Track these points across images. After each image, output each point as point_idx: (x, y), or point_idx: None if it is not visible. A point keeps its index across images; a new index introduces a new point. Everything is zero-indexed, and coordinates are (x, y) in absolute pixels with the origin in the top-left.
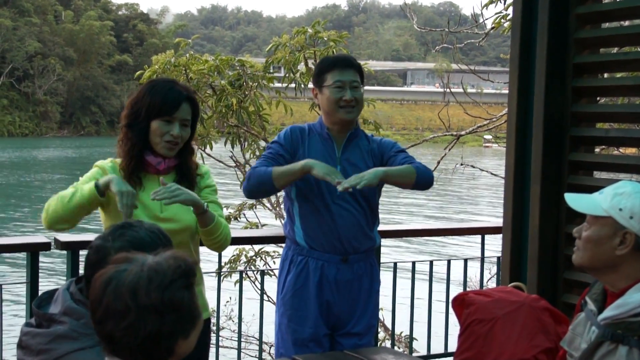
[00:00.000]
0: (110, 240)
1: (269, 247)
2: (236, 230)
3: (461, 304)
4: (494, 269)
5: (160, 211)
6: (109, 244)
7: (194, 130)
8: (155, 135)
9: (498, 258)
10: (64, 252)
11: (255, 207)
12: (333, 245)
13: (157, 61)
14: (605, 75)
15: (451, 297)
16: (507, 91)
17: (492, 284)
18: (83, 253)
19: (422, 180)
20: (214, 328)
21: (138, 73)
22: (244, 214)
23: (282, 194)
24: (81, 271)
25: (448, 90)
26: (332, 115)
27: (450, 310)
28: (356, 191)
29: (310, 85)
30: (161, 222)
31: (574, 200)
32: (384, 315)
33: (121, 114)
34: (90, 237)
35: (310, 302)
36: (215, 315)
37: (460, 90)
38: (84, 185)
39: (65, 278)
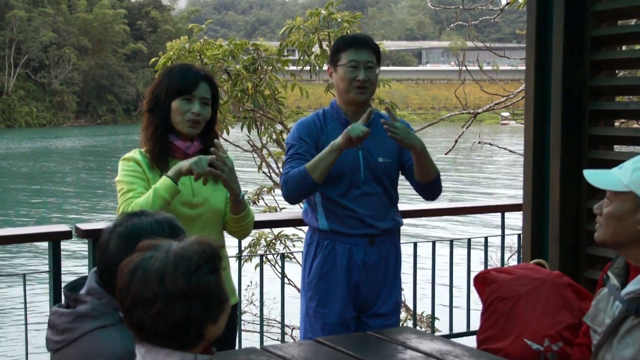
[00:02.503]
0: (114, 225)
1: (289, 230)
2: (255, 214)
3: (483, 282)
4: (515, 247)
5: (192, 195)
6: (112, 229)
7: (215, 113)
8: (176, 114)
9: (519, 235)
10: (85, 240)
11: (274, 191)
12: (359, 229)
13: (172, 47)
14: (624, 47)
15: (472, 276)
16: (523, 67)
17: (513, 262)
18: None
19: (437, 183)
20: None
21: (153, 60)
22: (263, 198)
23: None
24: None
25: (464, 68)
26: (344, 95)
27: (472, 288)
28: (381, 172)
29: (326, 67)
30: (193, 207)
31: (593, 177)
32: (405, 295)
33: (142, 103)
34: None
35: (339, 286)
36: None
37: (476, 67)
38: (157, 184)
39: (87, 267)
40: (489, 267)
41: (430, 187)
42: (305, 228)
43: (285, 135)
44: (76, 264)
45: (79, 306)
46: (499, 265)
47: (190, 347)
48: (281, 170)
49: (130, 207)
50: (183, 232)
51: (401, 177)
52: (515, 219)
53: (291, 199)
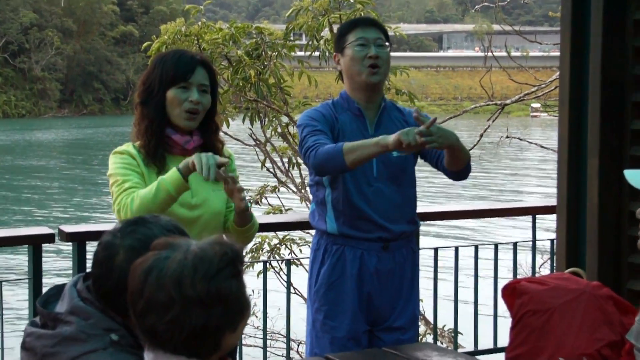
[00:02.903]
0: (119, 237)
1: (295, 234)
2: (258, 215)
3: (512, 294)
4: (547, 253)
5: (191, 196)
6: (118, 242)
7: (215, 102)
8: (173, 105)
9: (552, 241)
10: (69, 244)
11: (278, 190)
12: (371, 232)
13: (166, 31)
14: None
15: (500, 286)
16: (557, 53)
17: (545, 271)
18: (91, 246)
19: (469, 166)
20: None
21: (145, 45)
22: (266, 198)
23: (305, 174)
24: (89, 266)
25: (490, 54)
26: (356, 78)
27: (500, 300)
28: (396, 168)
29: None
30: (192, 208)
31: (635, 177)
32: (424, 307)
33: (135, 94)
34: (97, 227)
35: (349, 296)
36: None
37: (504, 53)
38: (164, 175)
39: (72, 273)
40: (518, 277)
41: (462, 172)
42: (314, 231)
43: (292, 129)
44: (60, 268)
45: (60, 327)
46: (529, 274)
47: (205, 357)
48: (286, 167)
49: (131, 198)
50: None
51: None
52: (548, 223)
53: (319, 166)
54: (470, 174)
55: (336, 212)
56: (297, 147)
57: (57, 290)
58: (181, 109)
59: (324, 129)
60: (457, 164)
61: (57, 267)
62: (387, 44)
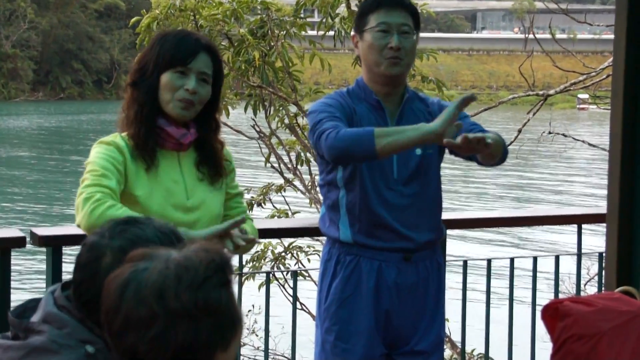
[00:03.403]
0: (107, 237)
1: (302, 241)
2: (261, 220)
3: (554, 315)
4: (595, 268)
5: (186, 197)
6: (105, 242)
7: (218, 95)
8: (165, 90)
9: (600, 254)
10: (43, 249)
11: (284, 190)
12: (391, 241)
13: (158, 5)
14: None
15: (540, 305)
16: (610, 36)
17: (592, 289)
18: (69, 251)
19: (505, 153)
20: None
21: (134, 20)
22: (270, 199)
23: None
24: (66, 274)
25: (531, 36)
26: (374, 69)
27: (539, 321)
28: (419, 168)
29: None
30: (188, 211)
31: None
32: (450, 327)
33: (125, 78)
34: (74, 230)
35: (364, 314)
36: None
37: (547, 35)
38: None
39: (45, 283)
40: (561, 295)
41: (499, 161)
42: (324, 239)
43: (301, 120)
44: (31, 278)
45: (31, 337)
46: (573, 292)
47: None
48: (294, 164)
49: (98, 211)
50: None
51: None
52: (595, 233)
53: (340, 150)
54: (506, 174)
55: (351, 218)
56: (306, 141)
57: (35, 304)
58: (174, 96)
59: (342, 118)
60: (493, 159)
61: (29, 276)
62: (413, 31)
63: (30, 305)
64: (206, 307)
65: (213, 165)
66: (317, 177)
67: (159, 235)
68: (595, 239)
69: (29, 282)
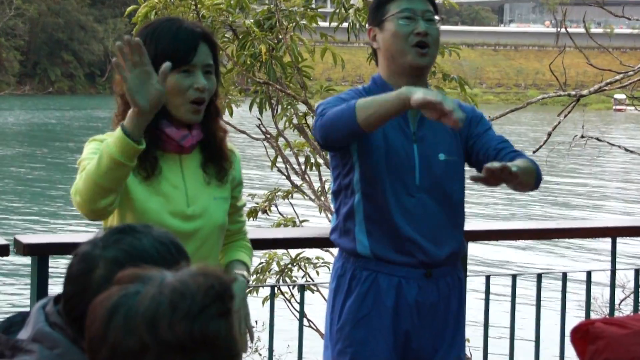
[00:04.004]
0: (100, 247)
1: (310, 252)
2: (267, 229)
3: (584, 338)
4: (630, 285)
5: (187, 204)
6: (98, 252)
7: (217, 83)
8: (173, 94)
9: (636, 271)
10: (28, 258)
11: (292, 196)
12: (412, 255)
13: None
14: None
15: (569, 326)
16: None
17: (627, 309)
18: (55, 261)
19: (539, 180)
20: None
21: (130, 9)
22: (276, 205)
23: (326, 177)
24: (52, 286)
25: (563, 30)
26: (398, 59)
27: (568, 344)
28: (444, 175)
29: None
30: (188, 220)
31: None
32: (471, 348)
33: (115, 76)
34: (63, 238)
35: (382, 335)
36: None
37: (581, 30)
38: (107, 140)
39: (29, 294)
40: (592, 315)
41: (532, 189)
42: (335, 250)
43: (310, 120)
44: (14, 290)
45: (19, 356)
46: (606, 312)
47: None
48: (303, 168)
49: (75, 182)
50: (188, 257)
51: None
52: (631, 247)
53: (325, 130)
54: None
55: (369, 226)
56: (315, 143)
57: (22, 318)
58: (185, 98)
59: None
60: (525, 187)
61: (12, 287)
62: (436, 17)
63: (17, 320)
64: (203, 339)
65: (218, 159)
66: (327, 183)
67: (156, 246)
68: (632, 252)
69: (12, 293)
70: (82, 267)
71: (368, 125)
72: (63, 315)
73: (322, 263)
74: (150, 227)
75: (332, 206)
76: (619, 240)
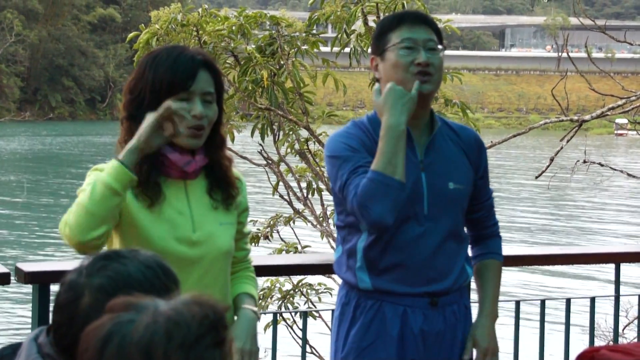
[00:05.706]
0: (84, 275)
1: (313, 279)
2: (268, 255)
3: None
4: (634, 312)
5: (192, 230)
6: (83, 280)
7: (221, 111)
8: (171, 122)
9: None
10: (29, 286)
11: (294, 222)
12: (417, 285)
13: (158, 19)
14: None
15: (573, 353)
16: None
17: (631, 334)
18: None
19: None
20: None
21: (131, 35)
22: (278, 231)
23: (328, 203)
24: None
25: (564, 54)
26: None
27: None
28: (449, 201)
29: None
30: (193, 246)
31: None
32: None
33: (118, 106)
34: (64, 266)
35: None
36: None
37: (583, 55)
38: (102, 169)
39: (30, 323)
40: (597, 342)
41: None
42: (338, 277)
43: (312, 146)
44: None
45: None
46: (611, 339)
47: None
48: (305, 193)
49: (68, 211)
50: (177, 281)
51: None
52: (635, 273)
53: (373, 211)
54: (535, 208)
55: (371, 265)
56: (318, 169)
57: (13, 350)
58: (183, 125)
59: (366, 156)
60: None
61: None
62: (439, 47)
63: (6, 353)
64: None
65: (224, 186)
66: (329, 208)
67: (143, 270)
68: (635, 278)
69: (14, 322)
70: (69, 296)
71: (404, 176)
72: (54, 345)
73: (325, 289)
74: (136, 252)
75: (334, 233)
76: (622, 265)
